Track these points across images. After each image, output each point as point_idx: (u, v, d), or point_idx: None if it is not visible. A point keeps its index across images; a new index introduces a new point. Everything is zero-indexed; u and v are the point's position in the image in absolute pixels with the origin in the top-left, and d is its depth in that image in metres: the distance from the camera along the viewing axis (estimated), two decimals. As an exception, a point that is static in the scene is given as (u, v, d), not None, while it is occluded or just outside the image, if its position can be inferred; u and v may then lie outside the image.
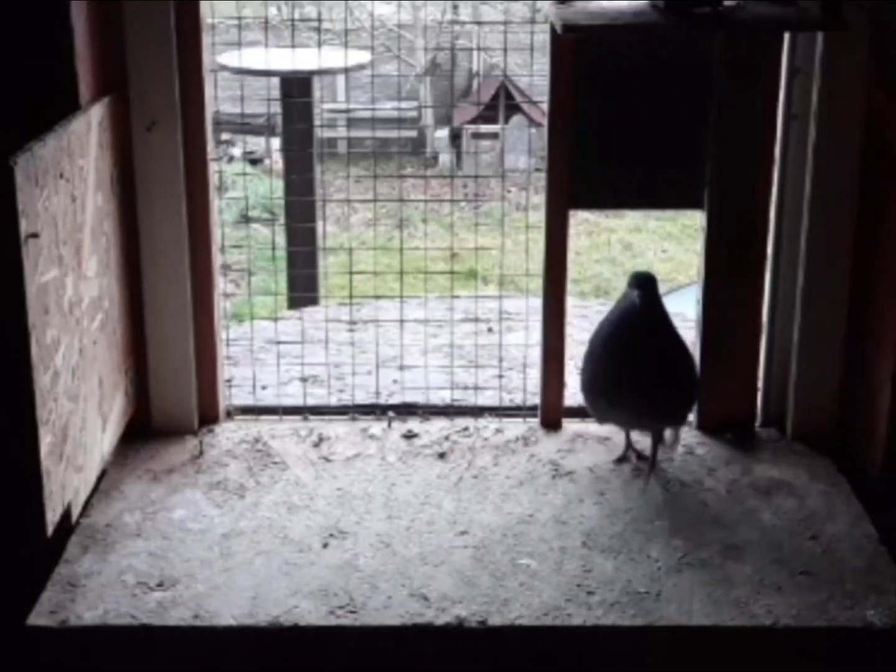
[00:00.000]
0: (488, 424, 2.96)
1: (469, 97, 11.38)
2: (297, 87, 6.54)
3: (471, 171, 9.16)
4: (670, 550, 2.48)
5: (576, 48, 2.65)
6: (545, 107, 2.76)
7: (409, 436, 2.92)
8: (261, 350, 3.24)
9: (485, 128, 9.89)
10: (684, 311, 3.34)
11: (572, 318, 3.13)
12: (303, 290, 5.29)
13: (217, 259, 2.87)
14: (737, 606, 2.31)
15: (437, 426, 2.96)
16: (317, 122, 6.95)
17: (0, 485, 2.31)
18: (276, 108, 6.91)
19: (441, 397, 3.07)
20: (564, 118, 2.72)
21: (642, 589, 2.36)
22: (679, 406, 2.75)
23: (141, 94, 2.65)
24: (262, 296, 4.10)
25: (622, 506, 2.62)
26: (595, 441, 2.86)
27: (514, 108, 9.76)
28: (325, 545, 2.50)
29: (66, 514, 2.39)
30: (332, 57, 6.11)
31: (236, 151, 9.76)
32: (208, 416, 2.93)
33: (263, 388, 3.12)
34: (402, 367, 3.15)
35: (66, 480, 2.33)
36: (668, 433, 2.81)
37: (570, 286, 2.88)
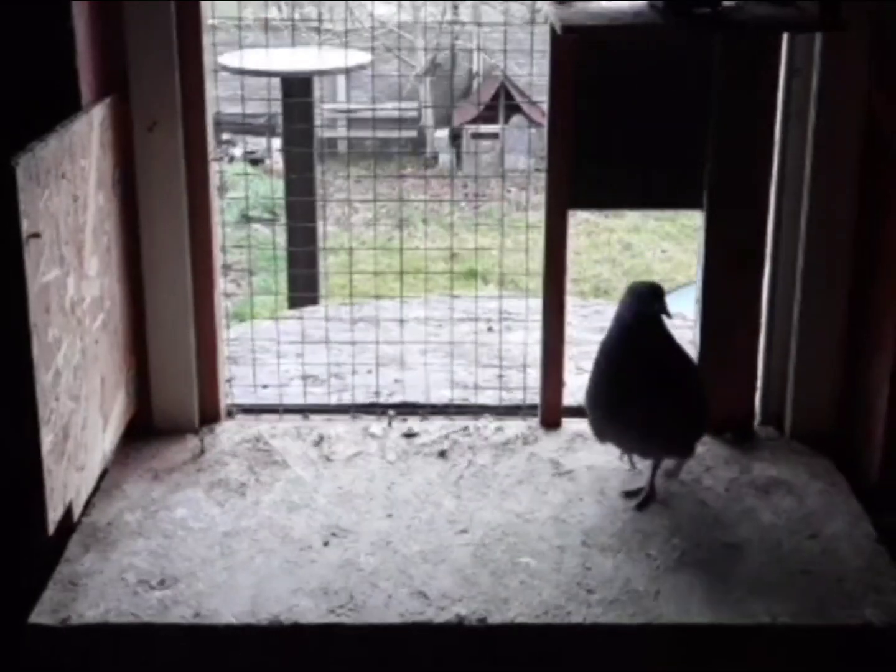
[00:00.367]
0: (488, 424, 2.97)
1: (469, 97, 11.38)
2: (297, 87, 6.55)
3: (471, 171, 9.17)
4: (669, 549, 2.48)
5: (576, 48, 2.65)
6: (545, 107, 2.76)
7: (410, 435, 2.92)
8: (261, 349, 3.25)
9: (485, 128, 9.88)
10: (684, 311, 3.34)
11: (572, 318, 3.14)
12: (303, 289, 5.30)
13: (218, 259, 2.88)
14: (736, 605, 2.32)
15: (437, 425, 2.96)
16: (317, 122, 6.95)
17: (1, 484, 2.31)
18: (277, 108, 6.92)
19: (441, 396, 3.08)
20: (564, 118, 2.72)
21: (641, 587, 2.37)
22: (684, 438, 2.64)
23: (142, 95, 2.66)
24: (263, 295, 4.11)
25: (622, 505, 2.63)
26: (595, 440, 2.86)
27: (514, 108, 9.75)
28: (326, 544, 2.50)
29: (68, 512, 2.39)
30: (333, 57, 6.12)
31: (237, 151, 9.76)
32: (209, 415, 2.93)
33: (264, 387, 3.12)
34: (402, 367, 3.16)
35: (68, 479, 2.34)
36: (671, 462, 2.71)
37: (570, 286, 2.89)
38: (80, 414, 2.42)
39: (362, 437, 2.91)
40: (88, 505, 2.59)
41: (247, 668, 2.33)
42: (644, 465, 2.70)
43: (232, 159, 9.62)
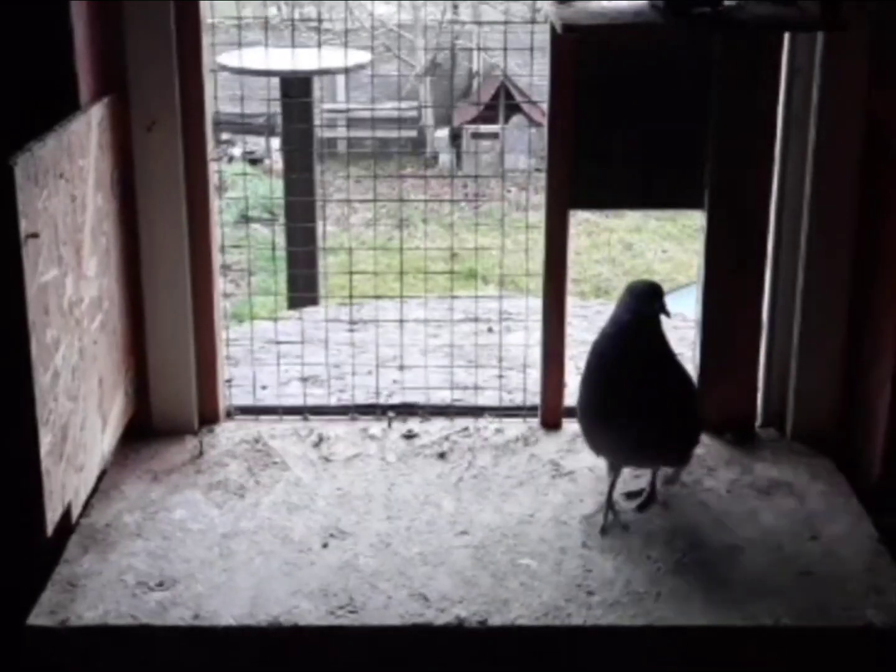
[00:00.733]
0: (488, 424, 2.96)
1: (469, 97, 11.38)
2: (297, 87, 6.55)
3: (471, 171, 9.16)
4: (670, 551, 2.48)
5: (576, 48, 2.65)
6: (545, 107, 2.76)
7: (409, 436, 2.92)
8: (261, 350, 3.24)
9: (485, 128, 9.88)
10: (684, 311, 3.34)
11: (572, 318, 3.13)
12: (303, 290, 5.29)
13: (217, 259, 2.87)
14: (737, 607, 2.31)
15: (437, 426, 2.96)
16: (317, 122, 6.95)
17: (0, 484, 2.31)
18: (276, 108, 6.91)
19: (441, 397, 3.07)
20: (564, 118, 2.72)
21: (642, 589, 2.36)
22: (680, 446, 2.57)
23: (141, 94, 2.65)
24: (262, 296, 4.10)
25: (622, 506, 2.62)
26: (595, 442, 2.86)
27: (514, 108, 9.75)
28: (325, 545, 2.50)
29: (66, 513, 2.39)
30: (332, 57, 6.11)
31: (236, 151, 9.76)
32: (208, 416, 2.93)
33: (263, 388, 3.12)
34: (402, 367, 3.15)
35: (66, 480, 2.33)
36: (669, 469, 2.67)
37: (570, 286, 2.88)
38: (79, 415, 2.41)
39: (362, 438, 2.91)
40: (87, 506, 2.58)
41: (246, 670, 2.32)
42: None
43: (231, 159, 9.62)
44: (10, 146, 2.11)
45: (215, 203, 2.85)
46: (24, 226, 2.08)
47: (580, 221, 9.71)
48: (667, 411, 2.46)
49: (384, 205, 5.25)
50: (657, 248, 10.17)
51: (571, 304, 3.00)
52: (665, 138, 2.75)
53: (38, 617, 2.28)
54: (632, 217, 10.11)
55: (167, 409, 2.87)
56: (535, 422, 2.95)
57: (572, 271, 2.95)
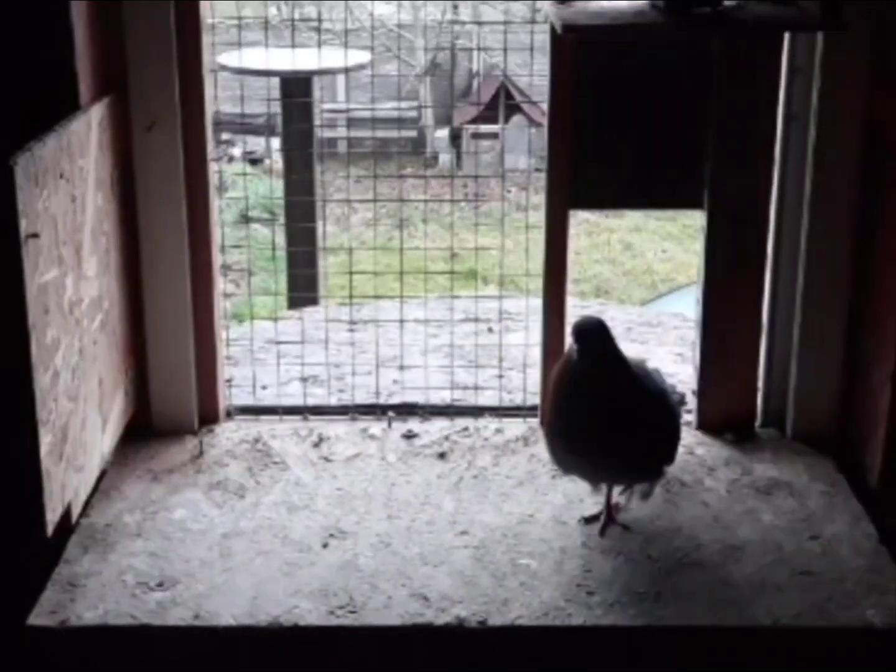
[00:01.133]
0: (488, 424, 2.96)
1: (469, 97, 11.39)
2: (297, 87, 6.55)
3: (471, 171, 9.17)
4: (670, 550, 2.48)
5: (576, 48, 2.65)
6: (545, 107, 2.76)
7: (409, 436, 2.92)
8: (261, 350, 3.24)
9: (485, 128, 9.89)
10: (684, 311, 3.34)
11: (572, 318, 3.13)
12: (303, 290, 5.30)
13: (217, 259, 2.87)
14: (737, 606, 2.31)
15: (437, 426, 2.96)
16: (317, 122, 6.95)
17: (0, 485, 2.31)
18: (276, 108, 6.92)
19: (441, 397, 3.07)
20: (564, 118, 2.72)
21: (642, 589, 2.36)
22: (647, 466, 2.50)
23: (141, 95, 2.65)
24: (262, 296, 4.10)
25: (622, 506, 2.62)
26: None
27: (514, 108, 9.75)
28: (325, 545, 2.50)
29: (66, 514, 2.38)
30: (332, 57, 6.11)
31: (236, 151, 9.76)
32: (208, 416, 2.93)
33: (263, 388, 3.12)
34: (402, 367, 3.15)
35: (66, 480, 2.33)
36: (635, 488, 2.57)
37: (570, 286, 2.88)
38: (79, 415, 2.41)
39: (362, 438, 2.91)
40: (87, 506, 2.58)
41: (246, 670, 2.32)
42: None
43: (231, 159, 9.62)
44: (10, 146, 2.11)
45: (215, 203, 2.85)
46: (24, 226, 2.08)
47: (580, 221, 9.71)
48: (627, 439, 2.38)
49: (384, 205, 5.25)
50: (657, 248, 10.17)
51: (571, 304, 3.00)
52: (665, 138, 2.75)
53: (38, 617, 2.28)
54: (632, 217, 10.11)
55: (167, 409, 2.87)
56: (535, 422, 2.95)
57: (572, 271, 2.95)
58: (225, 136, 9.04)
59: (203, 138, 2.74)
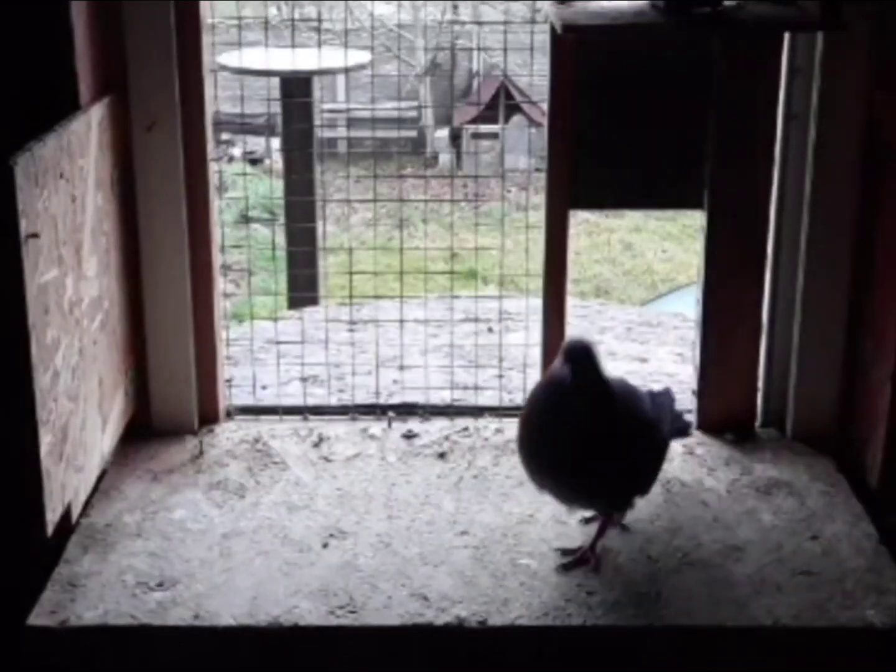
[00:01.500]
0: (488, 424, 2.96)
1: (469, 97, 11.39)
2: (297, 87, 6.55)
3: (471, 171, 9.16)
4: (670, 550, 2.48)
5: (576, 48, 2.65)
6: (545, 107, 2.76)
7: (409, 436, 2.92)
8: (261, 350, 3.24)
9: (485, 128, 9.89)
10: (684, 311, 3.34)
11: (572, 318, 3.13)
12: (303, 290, 5.30)
13: (217, 259, 2.87)
14: (737, 606, 2.31)
15: (437, 426, 2.96)
16: (317, 122, 6.95)
17: (0, 485, 2.31)
18: (276, 108, 6.92)
19: (441, 397, 3.07)
20: (564, 118, 2.72)
21: (642, 589, 2.36)
22: (604, 494, 2.41)
23: (141, 95, 2.65)
24: (262, 296, 4.10)
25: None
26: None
27: (514, 108, 9.76)
28: (325, 545, 2.50)
29: (66, 514, 2.38)
30: (332, 57, 6.11)
31: (236, 151, 9.76)
32: (208, 416, 2.93)
33: (263, 388, 3.12)
34: (402, 367, 3.15)
35: (66, 480, 2.33)
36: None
37: (570, 286, 2.88)
38: (79, 415, 2.41)
39: (362, 438, 2.91)
40: (87, 506, 2.58)
41: (246, 670, 2.32)
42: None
43: (231, 159, 9.62)
44: (10, 146, 2.11)
45: (215, 203, 2.85)
46: (24, 226, 2.08)
47: (580, 221, 9.71)
48: (597, 466, 2.30)
49: (384, 205, 5.25)
50: (657, 248, 10.17)
51: (571, 304, 3.00)
52: (665, 138, 2.75)
53: (38, 617, 2.28)
54: (632, 217, 10.11)
55: (167, 409, 2.87)
56: (535, 422, 2.95)
57: (572, 271, 2.95)
58: (225, 136, 9.04)
59: (203, 138, 2.74)
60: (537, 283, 2.90)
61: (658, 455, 2.49)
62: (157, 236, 2.74)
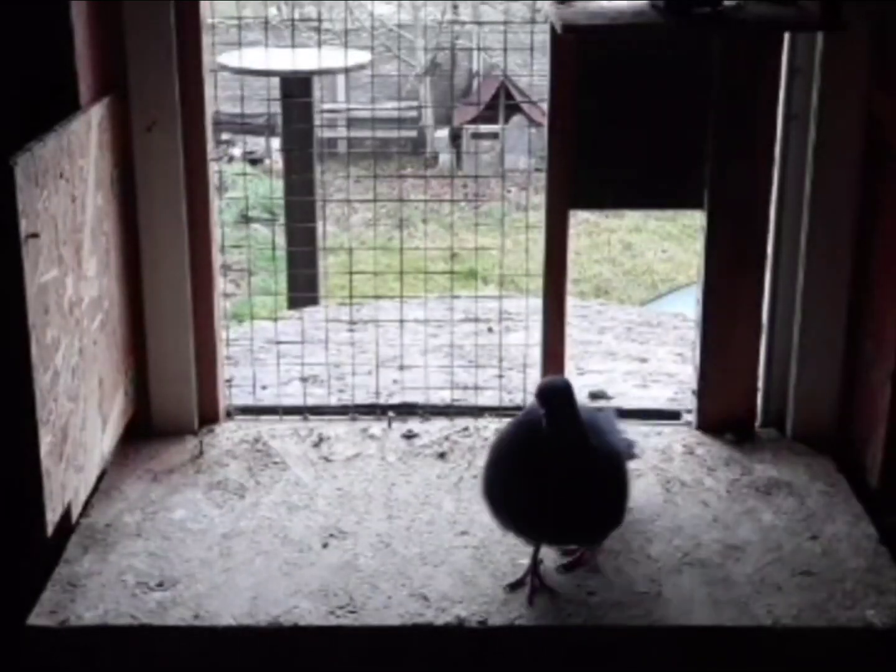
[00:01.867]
0: (488, 424, 2.96)
1: (469, 97, 11.39)
2: (297, 87, 6.55)
3: (471, 171, 9.16)
4: (670, 550, 2.48)
5: (576, 48, 2.65)
6: (545, 107, 2.76)
7: (409, 436, 2.92)
8: (261, 350, 3.24)
9: (485, 128, 9.90)
10: (684, 311, 3.34)
11: (572, 318, 3.13)
12: (303, 290, 5.30)
13: (217, 259, 2.87)
14: (737, 606, 2.31)
15: (437, 426, 2.96)
16: (317, 122, 6.95)
17: (0, 484, 2.31)
18: (276, 108, 6.92)
19: (441, 397, 3.07)
20: (564, 118, 2.72)
21: (642, 589, 2.36)
22: (578, 534, 2.36)
23: (141, 95, 2.65)
24: (262, 296, 4.11)
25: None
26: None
27: (514, 108, 9.76)
28: (325, 545, 2.50)
29: (66, 514, 2.38)
30: (332, 57, 6.12)
31: (236, 151, 9.76)
32: (208, 416, 2.93)
33: (263, 388, 3.12)
34: (402, 367, 3.15)
35: (66, 480, 2.33)
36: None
37: (570, 286, 2.88)
38: (79, 415, 2.41)
39: (362, 438, 2.91)
40: (87, 506, 2.58)
41: (246, 670, 2.32)
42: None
43: (231, 159, 9.63)
44: (10, 146, 2.11)
45: (215, 203, 2.85)
46: (24, 226, 2.08)
47: (580, 221, 9.71)
48: (573, 510, 2.24)
49: (384, 205, 5.24)
50: (657, 248, 10.17)
51: (571, 304, 3.00)
52: (665, 138, 2.75)
53: (38, 617, 2.28)
54: (632, 217, 10.12)
55: (167, 409, 2.87)
56: (535, 422, 2.95)
57: (572, 271, 2.95)
58: (225, 136, 9.05)
59: (203, 138, 2.74)
60: (537, 283, 2.90)
61: (626, 483, 2.38)
62: (157, 236, 2.74)
